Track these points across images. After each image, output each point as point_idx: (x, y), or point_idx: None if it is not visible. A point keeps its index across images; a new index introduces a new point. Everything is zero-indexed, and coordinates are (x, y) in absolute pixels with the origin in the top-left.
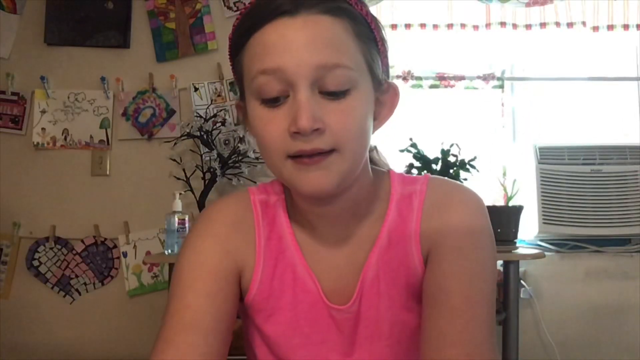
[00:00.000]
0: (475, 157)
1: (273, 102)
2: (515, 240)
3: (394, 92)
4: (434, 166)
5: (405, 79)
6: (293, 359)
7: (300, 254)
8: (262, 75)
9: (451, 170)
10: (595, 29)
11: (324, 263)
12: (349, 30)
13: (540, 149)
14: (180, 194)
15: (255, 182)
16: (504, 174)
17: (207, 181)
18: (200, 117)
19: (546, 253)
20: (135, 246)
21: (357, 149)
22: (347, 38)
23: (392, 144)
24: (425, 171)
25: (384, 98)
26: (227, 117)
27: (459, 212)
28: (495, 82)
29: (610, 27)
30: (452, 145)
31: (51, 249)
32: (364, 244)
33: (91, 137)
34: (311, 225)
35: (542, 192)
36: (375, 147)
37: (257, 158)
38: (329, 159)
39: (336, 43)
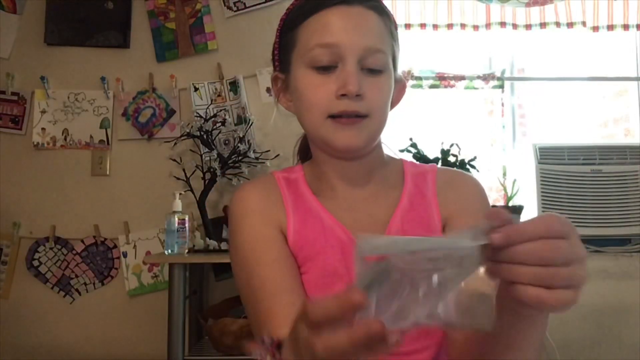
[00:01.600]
0: (475, 157)
1: (325, 69)
2: None
3: (402, 86)
4: None
5: (405, 79)
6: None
7: (325, 210)
8: (320, 48)
9: None
10: (595, 29)
11: (348, 219)
12: (387, 26)
13: (540, 149)
14: (180, 194)
15: None
16: (504, 174)
17: (207, 181)
18: (200, 117)
19: None
20: (135, 246)
21: (382, 118)
22: (386, 32)
23: (392, 143)
24: None
25: (395, 87)
26: (227, 117)
27: (470, 187)
28: (495, 82)
29: (610, 27)
30: (452, 145)
31: (51, 249)
32: (386, 205)
33: (91, 137)
34: (331, 190)
35: (542, 192)
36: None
37: (256, 158)
38: (362, 122)
39: (379, 33)
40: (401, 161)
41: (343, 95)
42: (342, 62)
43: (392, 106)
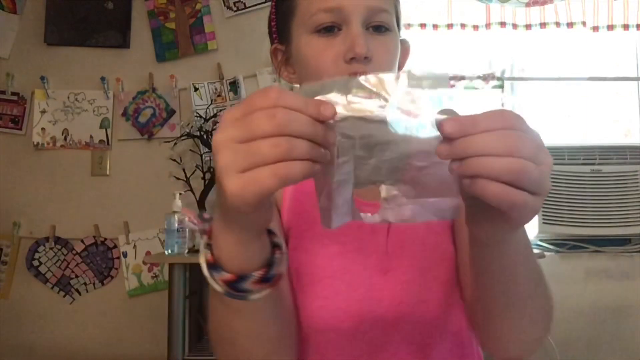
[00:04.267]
0: None
1: (328, 31)
2: None
3: (406, 48)
4: None
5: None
6: (330, 269)
7: None
8: (323, 13)
9: None
10: (595, 29)
11: None
12: None
13: None
14: (180, 194)
15: None
16: None
17: (207, 181)
18: (200, 117)
19: (546, 253)
20: (135, 246)
21: None
22: None
23: None
24: None
25: (400, 49)
26: None
27: None
28: (495, 82)
29: (610, 27)
30: None
31: (51, 249)
32: None
33: (91, 137)
34: None
35: None
36: None
37: None
38: None
39: None
40: None
41: (352, 58)
42: (346, 24)
43: (398, 70)
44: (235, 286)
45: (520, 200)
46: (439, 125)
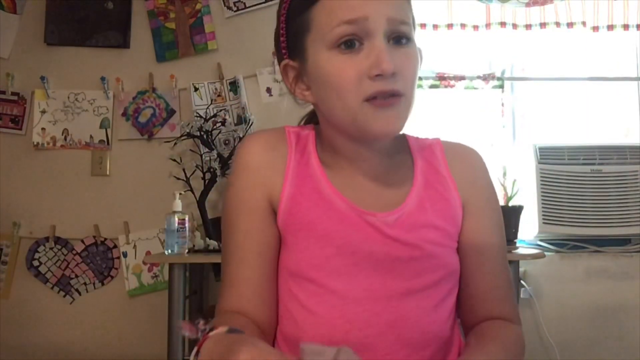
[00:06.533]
0: None
1: (349, 46)
2: (515, 241)
3: (420, 57)
4: None
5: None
6: (325, 270)
7: (327, 179)
8: (345, 25)
9: None
10: (595, 29)
11: (354, 199)
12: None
13: (540, 149)
14: (180, 194)
15: None
16: (504, 174)
17: (207, 181)
18: (200, 117)
19: (546, 253)
20: (135, 246)
21: (414, 95)
22: (408, 5)
23: None
24: None
25: None
26: (227, 117)
27: (479, 165)
28: (495, 82)
29: (610, 27)
30: None
31: (51, 249)
32: (398, 186)
33: (91, 137)
34: (339, 166)
35: (542, 192)
36: None
37: None
38: (400, 102)
39: (404, 6)
40: (404, 135)
41: (377, 75)
42: (368, 37)
43: None
44: None
45: None
46: None
